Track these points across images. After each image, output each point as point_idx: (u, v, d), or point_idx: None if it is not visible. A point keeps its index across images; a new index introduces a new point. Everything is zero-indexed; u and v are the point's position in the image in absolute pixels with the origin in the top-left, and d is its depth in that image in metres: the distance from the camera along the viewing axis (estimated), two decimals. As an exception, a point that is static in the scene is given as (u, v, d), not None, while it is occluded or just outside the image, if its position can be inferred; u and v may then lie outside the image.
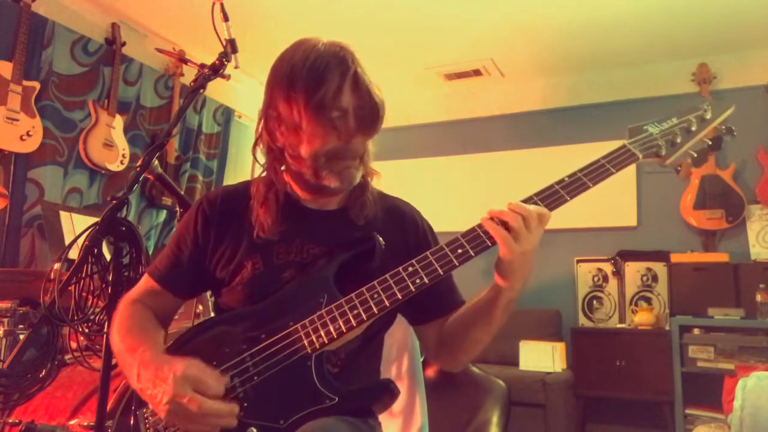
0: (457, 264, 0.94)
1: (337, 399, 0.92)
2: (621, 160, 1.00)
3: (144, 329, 1.05)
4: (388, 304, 0.94)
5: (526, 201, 0.95)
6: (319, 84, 0.98)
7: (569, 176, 0.98)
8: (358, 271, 1.00)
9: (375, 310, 0.94)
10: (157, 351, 0.98)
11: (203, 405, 0.86)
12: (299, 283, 1.03)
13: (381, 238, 1.03)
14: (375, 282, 0.96)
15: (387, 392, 0.95)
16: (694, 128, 1.03)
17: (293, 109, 1.00)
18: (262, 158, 1.14)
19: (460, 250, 0.94)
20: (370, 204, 1.12)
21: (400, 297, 0.94)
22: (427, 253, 0.96)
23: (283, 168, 1.10)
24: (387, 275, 0.96)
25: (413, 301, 1.05)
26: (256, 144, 1.13)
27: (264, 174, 1.13)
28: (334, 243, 1.06)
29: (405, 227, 1.16)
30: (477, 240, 0.94)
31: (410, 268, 0.95)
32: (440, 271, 0.94)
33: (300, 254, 1.07)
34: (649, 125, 1.05)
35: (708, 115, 1.04)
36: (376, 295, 0.95)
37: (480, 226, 0.95)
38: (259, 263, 1.06)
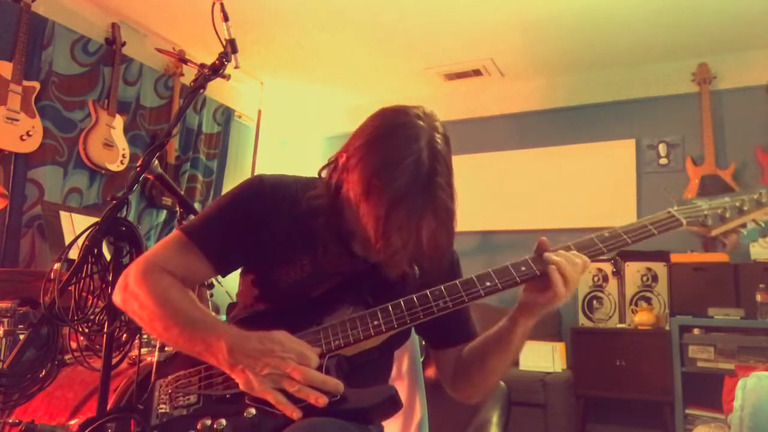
0: (482, 294, 0.99)
1: (338, 396, 0.92)
2: (664, 224, 1.04)
3: (200, 307, 1.02)
4: (408, 321, 0.99)
5: (564, 248, 1.01)
6: (402, 203, 0.92)
7: (609, 231, 1.03)
8: (390, 296, 1.03)
9: (395, 323, 0.99)
10: (236, 328, 0.98)
11: (307, 374, 0.90)
12: (335, 293, 1.07)
13: (417, 268, 1.06)
14: (401, 300, 1.01)
15: (389, 399, 0.96)
16: (746, 208, 1.07)
17: (369, 202, 0.95)
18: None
19: (488, 283, 1.00)
20: None
21: (422, 316, 0.99)
22: (456, 281, 1.01)
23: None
24: (414, 295, 1.00)
25: (435, 326, 1.10)
26: (324, 168, 1.09)
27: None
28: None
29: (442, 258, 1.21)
30: (507, 276, 1.00)
31: (437, 292, 1.00)
32: (465, 298, 0.99)
33: (346, 266, 1.09)
34: (699, 200, 1.09)
35: (764, 199, 1.07)
36: (399, 312, 0.99)
37: (513, 264, 1.01)
38: (307, 265, 1.08)
